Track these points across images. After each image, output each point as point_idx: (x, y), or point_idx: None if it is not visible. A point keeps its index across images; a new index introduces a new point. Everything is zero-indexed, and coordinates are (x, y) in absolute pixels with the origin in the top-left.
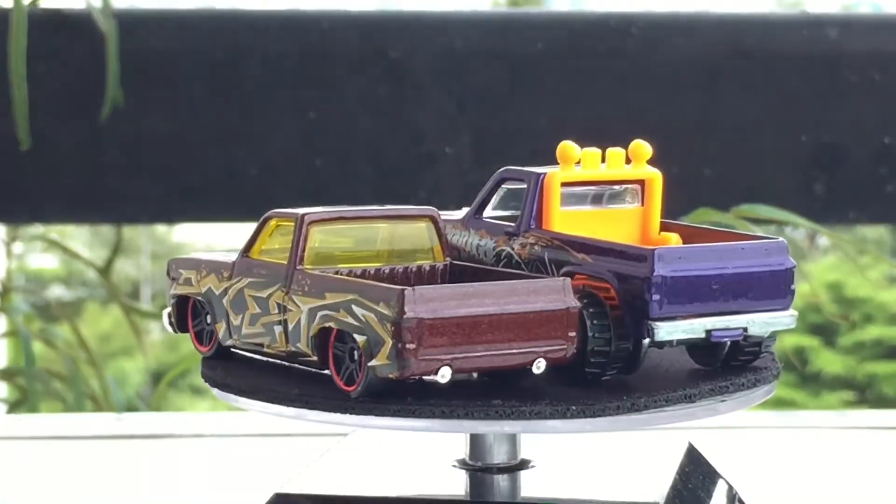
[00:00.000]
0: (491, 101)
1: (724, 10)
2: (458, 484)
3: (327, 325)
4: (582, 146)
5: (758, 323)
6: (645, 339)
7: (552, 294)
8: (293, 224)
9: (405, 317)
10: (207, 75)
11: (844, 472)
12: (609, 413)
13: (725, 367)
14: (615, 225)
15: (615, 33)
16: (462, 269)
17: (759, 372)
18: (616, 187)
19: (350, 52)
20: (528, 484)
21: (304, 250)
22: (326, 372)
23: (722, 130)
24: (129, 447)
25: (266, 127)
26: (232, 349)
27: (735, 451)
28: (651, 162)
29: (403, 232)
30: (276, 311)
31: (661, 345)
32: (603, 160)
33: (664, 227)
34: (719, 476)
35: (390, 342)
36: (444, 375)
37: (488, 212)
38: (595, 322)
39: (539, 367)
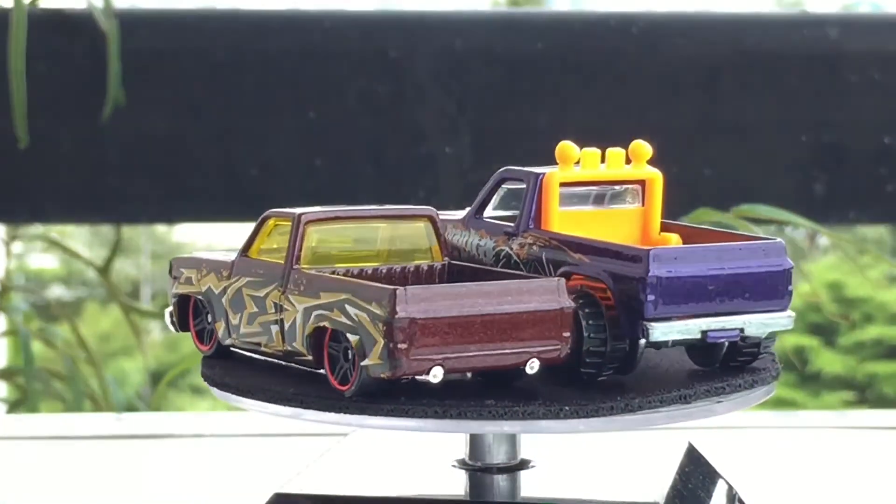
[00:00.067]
0: (491, 101)
1: (724, 10)
2: (458, 484)
3: (322, 324)
4: (582, 146)
5: (755, 324)
6: (641, 339)
7: (546, 294)
8: (290, 223)
9: (397, 317)
10: (207, 75)
11: (844, 472)
12: (603, 413)
13: (724, 368)
14: (616, 225)
15: (615, 33)
16: (460, 269)
17: (757, 373)
18: (617, 187)
19: (350, 52)
20: (528, 484)
21: (300, 250)
22: (322, 371)
23: (722, 130)
24: (129, 447)
25: (266, 127)
26: (231, 348)
27: (735, 451)
28: (651, 162)
29: (402, 232)
30: (273, 310)
31: (656, 345)
32: (603, 160)
33: (665, 228)
34: (719, 476)
35: (382, 342)
36: (436, 375)
37: (489, 212)
38: (591, 322)
39: (532, 367)
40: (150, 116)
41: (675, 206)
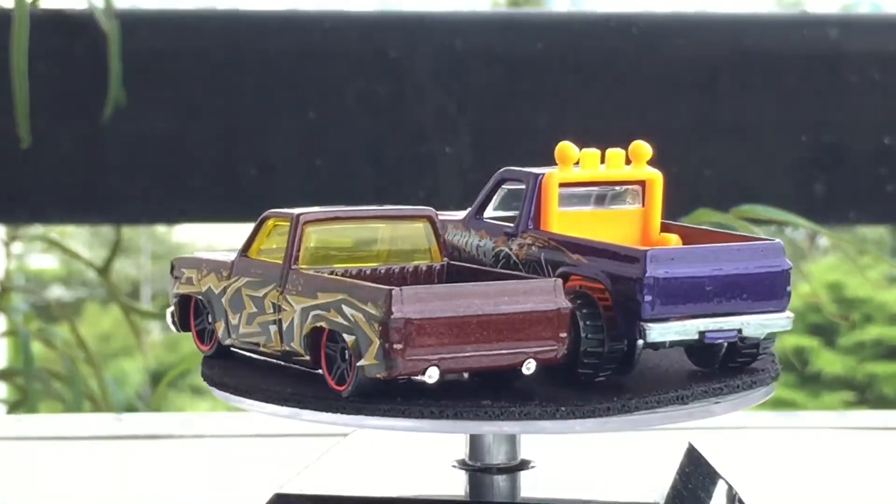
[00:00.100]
0: (491, 101)
1: (724, 10)
2: (458, 484)
3: (319, 324)
4: (582, 146)
5: (752, 325)
6: (638, 340)
7: (543, 295)
8: (289, 224)
9: (392, 317)
10: (207, 75)
11: (844, 472)
12: (599, 414)
13: (723, 369)
14: (616, 226)
15: (615, 33)
16: (459, 269)
17: (755, 374)
18: (617, 188)
19: (350, 52)
20: (528, 484)
21: (298, 250)
22: (319, 371)
23: (722, 130)
24: (129, 447)
25: (266, 127)
26: (232, 349)
27: (735, 452)
28: (651, 162)
29: (401, 232)
30: (272, 310)
31: (654, 346)
32: (602, 161)
33: (665, 228)
34: (719, 476)
35: (378, 342)
36: (432, 376)
37: (489, 212)
38: (588, 323)
39: (529, 367)
40: (150, 117)
41: (675, 206)
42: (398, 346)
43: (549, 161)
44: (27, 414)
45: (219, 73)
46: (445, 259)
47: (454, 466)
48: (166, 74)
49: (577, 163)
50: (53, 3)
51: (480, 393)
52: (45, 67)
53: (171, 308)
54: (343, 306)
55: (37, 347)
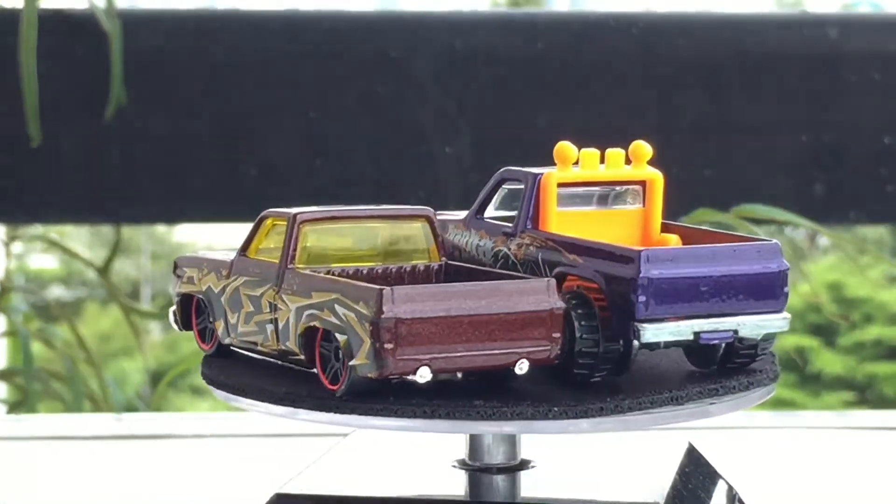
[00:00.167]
0: (491, 101)
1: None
2: (458, 484)
3: (313, 324)
4: (581, 146)
5: (749, 325)
6: (633, 340)
7: (536, 295)
8: (286, 223)
9: (382, 316)
10: (207, 75)
11: (844, 472)
12: (592, 414)
13: (721, 370)
14: (616, 226)
15: (615, 33)
16: (457, 269)
17: (753, 374)
18: (618, 188)
19: (350, 52)
20: (528, 484)
21: (295, 249)
22: (314, 371)
23: (722, 130)
24: (129, 447)
25: (266, 127)
26: (231, 348)
27: (735, 452)
28: (651, 162)
29: (399, 232)
30: (268, 309)
31: (649, 346)
32: (602, 160)
33: (665, 228)
34: (719, 476)
35: (369, 342)
36: (423, 375)
37: (490, 212)
38: (583, 323)
39: (522, 368)
40: (149, 116)
41: (675, 206)
42: (389, 346)
43: (550, 161)
44: (27, 414)
45: (219, 73)
46: (443, 259)
47: (454, 466)
48: (166, 74)
49: (577, 163)
50: (54, 2)
51: (474, 393)
52: (45, 67)
53: (174, 307)
54: (336, 306)
55: (37, 347)
